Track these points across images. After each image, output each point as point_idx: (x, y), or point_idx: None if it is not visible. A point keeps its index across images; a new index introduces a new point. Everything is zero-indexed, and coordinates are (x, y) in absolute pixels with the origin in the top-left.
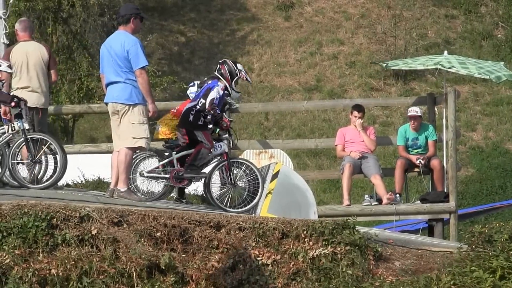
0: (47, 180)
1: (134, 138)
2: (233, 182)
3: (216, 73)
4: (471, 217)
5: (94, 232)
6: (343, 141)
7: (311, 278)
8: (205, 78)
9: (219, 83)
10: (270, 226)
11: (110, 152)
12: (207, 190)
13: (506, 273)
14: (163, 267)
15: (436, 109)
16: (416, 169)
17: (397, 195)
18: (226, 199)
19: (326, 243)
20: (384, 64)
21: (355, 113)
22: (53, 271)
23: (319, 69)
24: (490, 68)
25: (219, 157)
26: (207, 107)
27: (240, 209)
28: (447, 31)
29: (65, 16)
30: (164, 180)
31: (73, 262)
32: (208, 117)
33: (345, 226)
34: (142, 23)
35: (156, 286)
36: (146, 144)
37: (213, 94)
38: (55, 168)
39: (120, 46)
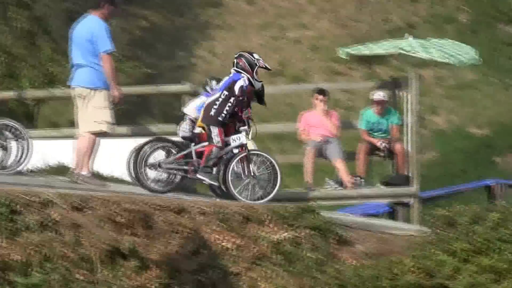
0: (10, 166)
1: (96, 122)
2: (252, 174)
3: (235, 68)
4: (434, 201)
5: (56, 217)
6: (306, 125)
7: (274, 262)
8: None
9: (242, 75)
10: (233, 210)
11: (72, 137)
12: (225, 183)
13: (468, 256)
14: (125, 252)
15: (399, 93)
16: (379, 153)
17: (360, 179)
18: (244, 191)
19: (289, 228)
20: (343, 53)
21: (319, 96)
22: (14, 256)
23: (283, 53)
24: (453, 52)
25: (237, 149)
26: (237, 93)
27: (259, 201)
28: (412, 15)
29: (28, 1)
30: (182, 172)
31: (35, 248)
32: (229, 105)
33: (308, 210)
34: (116, 9)
35: (118, 271)
36: (109, 129)
37: (241, 82)
38: (20, 153)
39: (87, 29)
